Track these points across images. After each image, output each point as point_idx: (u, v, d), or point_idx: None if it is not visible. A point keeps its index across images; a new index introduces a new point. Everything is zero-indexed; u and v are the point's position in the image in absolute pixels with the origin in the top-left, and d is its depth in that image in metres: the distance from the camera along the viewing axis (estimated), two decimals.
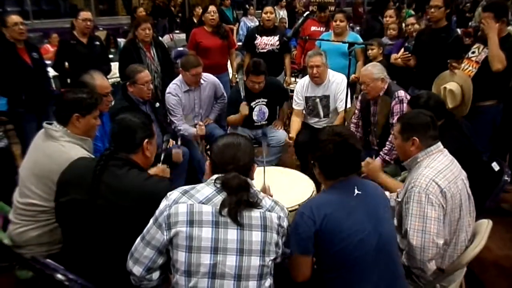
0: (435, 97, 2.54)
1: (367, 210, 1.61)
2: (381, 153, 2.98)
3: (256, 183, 1.63)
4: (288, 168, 3.12)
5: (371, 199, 1.66)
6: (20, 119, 3.76)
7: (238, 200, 1.45)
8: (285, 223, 1.55)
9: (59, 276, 1.61)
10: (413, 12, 7.94)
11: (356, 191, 1.62)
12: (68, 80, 4.18)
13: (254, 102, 3.64)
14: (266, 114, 3.71)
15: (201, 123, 3.54)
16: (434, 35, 3.69)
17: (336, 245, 1.55)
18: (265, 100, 3.66)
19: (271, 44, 4.56)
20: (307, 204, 1.68)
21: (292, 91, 3.98)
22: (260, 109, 3.67)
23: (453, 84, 3.14)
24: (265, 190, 2.09)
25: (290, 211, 1.98)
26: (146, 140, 1.82)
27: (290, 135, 3.61)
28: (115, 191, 1.67)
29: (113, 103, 3.13)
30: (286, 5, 9.28)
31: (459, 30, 4.79)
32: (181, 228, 1.43)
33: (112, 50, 6.74)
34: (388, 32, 4.98)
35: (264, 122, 3.74)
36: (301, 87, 3.68)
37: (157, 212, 1.50)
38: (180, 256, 1.43)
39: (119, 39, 7.07)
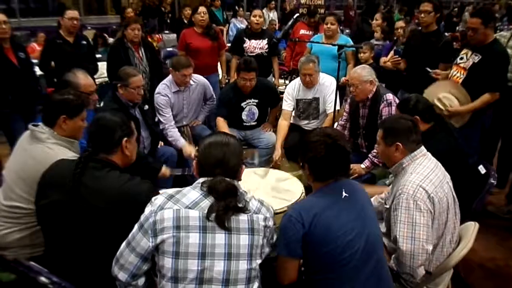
0: (423, 100, 2.54)
1: (355, 211, 1.61)
2: (370, 155, 3.00)
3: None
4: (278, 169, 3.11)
5: (359, 200, 1.66)
6: (6, 120, 3.68)
7: (226, 206, 1.42)
8: (270, 223, 1.53)
9: (43, 279, 1.59)
10: (401, 16, 8.02)
11: (344, 194, 1.62)
12: (55, 80, 4.12)
13: (245, 103, 3.63)
14: (256, 115, 3.70)
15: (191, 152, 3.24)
16: (424, 39, 3.72)
17: (325, 247, 1.54)
18: (256, 101, 3.65)
19: (260, 48, 4.54)
20: (295, 207, 1.67)
21: (282, 93, 3.98)
22: (250, 109, 3.66)
23: (448, 95, 3.14)
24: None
25: (278, 213, 1.98)
26: (125, 139, 1.78)
27: (275, 154, 3.42)
28: (95, 193, 1.63)
29: (102, 104, 3.10)
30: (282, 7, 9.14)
31: (446, 34, 4.84)
32: (168, 234, 1.40)
33: (100, 49, 6.65)
34: (375, 34, 5.17)
35: (253, 123, 3.73)
36: (292, 89, 3.68)
37: (142, 217, 1.45)
38: (167, 262, 1.40)
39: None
